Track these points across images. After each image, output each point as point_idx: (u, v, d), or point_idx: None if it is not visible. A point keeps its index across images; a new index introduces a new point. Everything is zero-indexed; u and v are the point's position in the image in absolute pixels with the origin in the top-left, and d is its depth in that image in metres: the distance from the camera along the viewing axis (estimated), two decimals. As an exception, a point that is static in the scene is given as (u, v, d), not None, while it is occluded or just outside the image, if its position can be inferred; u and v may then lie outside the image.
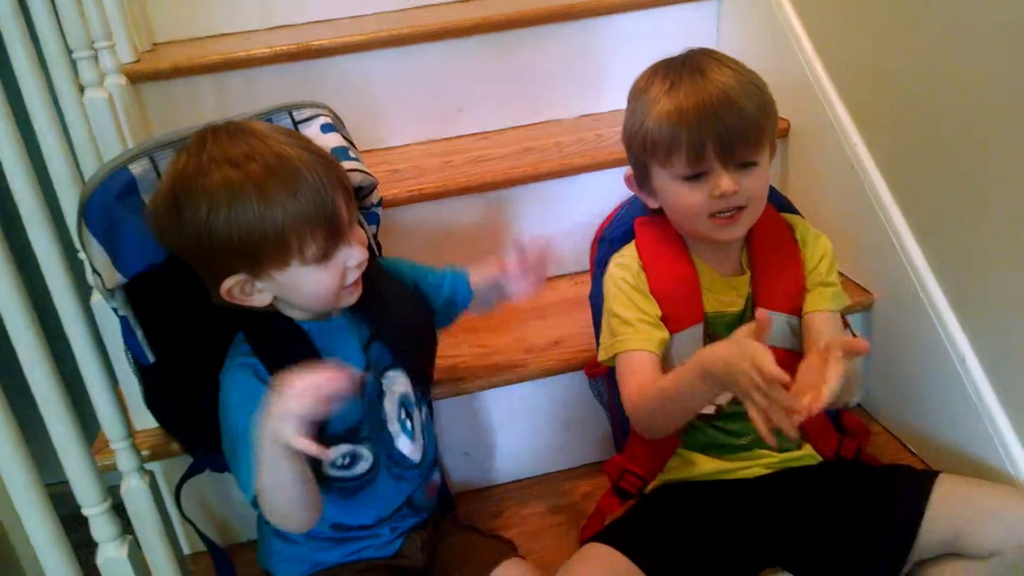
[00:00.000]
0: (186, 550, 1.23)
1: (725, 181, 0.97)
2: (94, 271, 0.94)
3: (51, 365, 0.87)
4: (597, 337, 1.24)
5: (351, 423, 0.97)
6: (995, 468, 1.14)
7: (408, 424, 1.03)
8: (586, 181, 1.46)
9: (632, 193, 1.15)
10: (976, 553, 0.97)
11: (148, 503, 1.08)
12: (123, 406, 1.09)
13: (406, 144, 1.62)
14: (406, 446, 1.03)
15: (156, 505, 1.09)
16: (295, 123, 1.06)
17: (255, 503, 0.90)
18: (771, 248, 1.08)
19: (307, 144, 0.91)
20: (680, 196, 1.01)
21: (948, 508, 0.99)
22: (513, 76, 1.64)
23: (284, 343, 0.95)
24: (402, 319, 1.04)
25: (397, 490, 1.03)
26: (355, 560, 1.02)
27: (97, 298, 1.06)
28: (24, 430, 0.81)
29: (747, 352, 0.85)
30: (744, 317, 1.07)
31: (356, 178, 1.05)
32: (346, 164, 1.02)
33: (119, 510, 1.00)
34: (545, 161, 1.46)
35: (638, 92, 1.03)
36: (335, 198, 0.88)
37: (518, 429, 1.33)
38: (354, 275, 0.93)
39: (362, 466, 0.99)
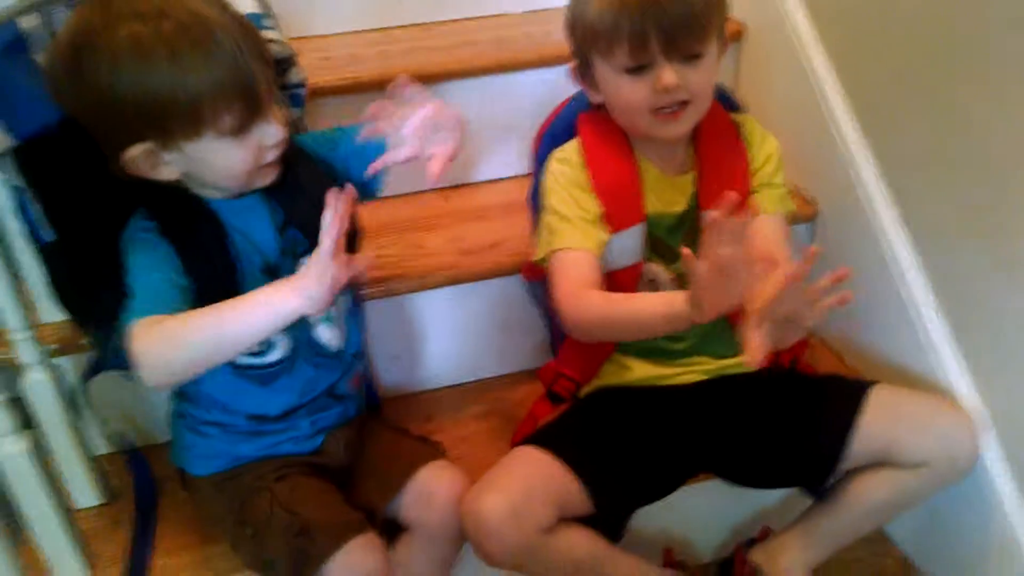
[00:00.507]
0: (102, 450, 1.18)
1: (668, 74, 0.93)
2: None
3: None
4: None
5: None
6: (930, 381, 1.14)
7: (329, 314, 0.98)
8: (531, 78, 1.39)
9: (577, 91, 1.10)
10: (906, 462, 0.98)
11: (53, 397, 1.02)
12: (27, 297, 1.02)
13: (341, 32, 1.53)
14: (324, 333, 0.98)
15: (62, 400, 1.03)
16: None
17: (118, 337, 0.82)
18: (717, 147, 1.04)
19: (223, 5, 0.83)
20: (621, 90, 0.96)
21: (881, 418, 1.00)
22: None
23: (190, 221, 0.88)
24: (318, 202, 0.97)
25: (316, 377, 0.99)
26: (272, 455, 0.99)
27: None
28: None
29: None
30: (686, 218, 1.04)
31: (272, 49, 0.96)
32: (264, 33, 0.93)
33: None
34: (487, 54, 1.39)
35: None
36: (253, 67, 0.81)
37: (452, 334, 1.30)
38: (271, 155, 0.87)
39: (276, 354, 0.94)
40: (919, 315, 1.14)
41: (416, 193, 1.44)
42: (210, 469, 0.99)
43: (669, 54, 0.92)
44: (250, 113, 0.82)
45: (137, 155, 0.82)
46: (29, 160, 0.87)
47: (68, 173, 0.88)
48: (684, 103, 0.95)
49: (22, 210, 0.90)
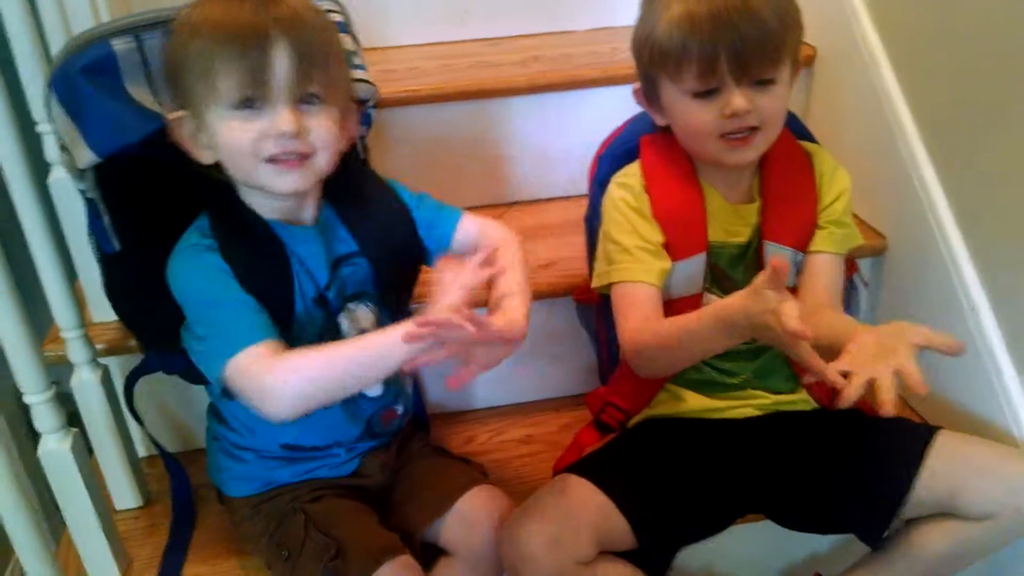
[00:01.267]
0: (142, 452, 1.19)
1: (737, 99, 0.89)
2: (63, 148, 0.87)
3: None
4: (591, 260, 1.18)
5: (312, 333, 0.90)
6: (998, 427, 1.09)
7: None
8: (595, 96, 1.38)
9: (639, 111, 1.07)
10: (970, 513, 0.93)
11: (99, 397, 1.03)
12: (81, 297, 1.03)
13: (408, 45, 1.54)
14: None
15: (109, 401, 1.04)
16: None
17: (219, 381, 0.83)
18: (786, 177, 1.01)
19: (312, 7, 0.84)
20: (689, 114, 0.93)
21: (946, 464, 0.94)
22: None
23: (253, 239, 0.88)
24: (386, 230, 0.96)
25: (353, 417, 0.97)
26: (308, 479, 0.98)
27: (54, 177, 0.99)
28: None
29: (770, 304, 0.80)
30: (749, 249, 1.00)
31: (360, 89, 0.97)
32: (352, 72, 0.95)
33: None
34: (552, 71, 1.38)
35: None
36: (273, 47, 0.78)
37: (499, 353, 1.27)
38: (274, 146, 0.81)
39: None
40: (991, 356, 1.09)
41: (470, 209, 1.42)
42: (246, 491, 0.98)
43: (739, 78, 0.89)
44: (255, 88, 0.79)
45: (176, 120, 0.83)
46: (108, 176, 0.88)
47: (143, 190, 0.90)
48: (754, 129, 0.92)
49: (91, 220, 0.91)
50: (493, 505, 0.97)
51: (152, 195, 0.91)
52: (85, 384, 1.02)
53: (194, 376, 0.96)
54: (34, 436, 0.95)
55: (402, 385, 1.03)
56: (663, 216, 0.99)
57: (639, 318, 0.96)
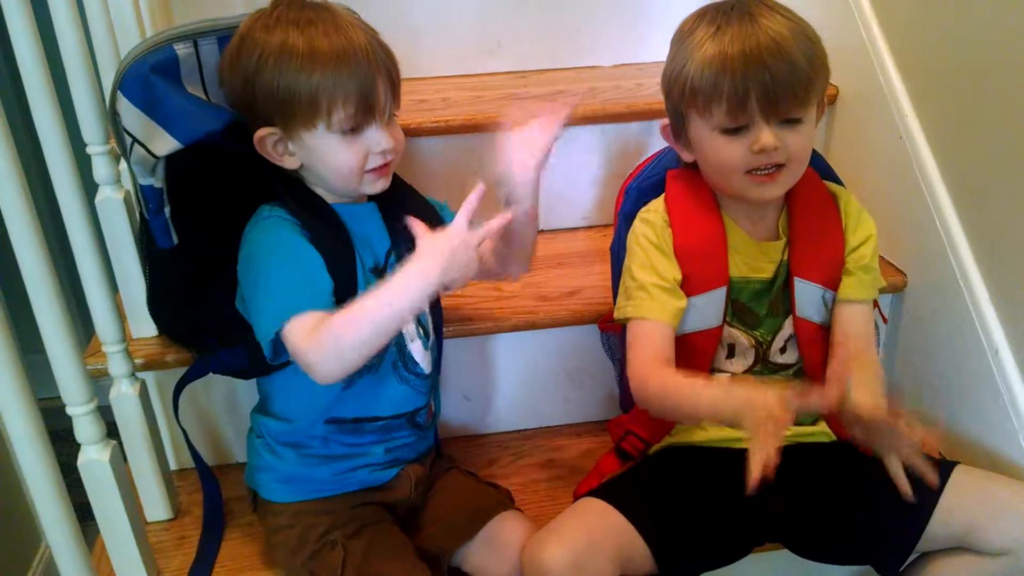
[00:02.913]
0: (173, 466, 1.21)
1: (766, 135, 0.92)
2: (134, 143, 0.93)
3: (47, 258, 0.84)
4: (615, 289, 1.20)
5: None
6: (1017, 465, 1.09)
7: (422, 332, 1.01)
8: (620, 131, 1.41)
9: (666, 145, 1.10)
10: (987, 549, 0.93)
11: (137, 410, 1.06)
12: (121, 313, 1.06)
13: (438, 76, 1.57)
14: (418, 351, 1.01)
15: (145, 414, 1.07)
16: None
17: (272, 347, 0.88)
18: (812, 215, 1.03)
19: (370, 29, 0.93)
20: (717, 149, 0.95)
21: (964, 499, 0.95)
22: (556, 16, 1.58)
23: (325, 222, 0.94)
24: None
25: (402, 395, 1.00)
26: (347, 491, 0.99)
27: (102, 196, 1.03)
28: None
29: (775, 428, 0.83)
30: (775, 285, 1.02)
31: None
32: None
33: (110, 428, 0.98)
34: (579, 105, 1.40)
35: (682, 35, 0.97)
36: (376, 78, 0.90)
37: (522, 378, 1.30)
38: (377, 160, 0.93)
39: None
40: (1010, 395, 1.09)
41: (497, 236, 1.46)
42: (285, 497, 1.00)
43: (768, 117, 0.92)
44: (362, 117, 0.90)
45: (265, 136, 0.91)
46: (176, 167, 0.95)
47: (207, 183, 0.97)
48: (780, 166, 0.94)
49: (151, 214, 0.97)
50: (521, 531, 0.99)
51: (213, 188, 0.98)
52: (124, 397, 1.05)
53: (252, 371, 1.01)
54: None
55: (438, 381, 1.08)
56: (684, 249, 1.01)
57: (648, 356, 0.98)
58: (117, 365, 1.04)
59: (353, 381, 0.96)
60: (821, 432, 1.07)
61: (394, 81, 0.93)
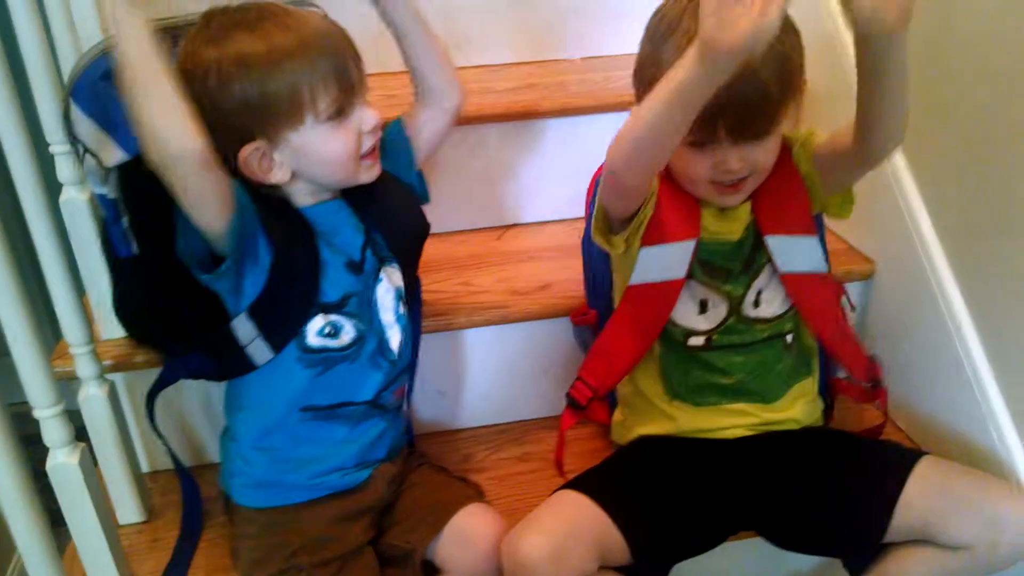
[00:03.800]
0: (144, 468, 1.20)
1: (733, 160, 0.92)
2: (86, 152, 0.91)
3: (9, 254, 0.84)
4: (587, 283, 1.21)
5: (336, 297, 0.94)
6: (985, 449, 1.11)
7: (403, 319, 1.01)
8: (589, 123, 1.41)
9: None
10: (949, 543, 0.94)
11: (106, 412, 1.04)
12: (88, 315, 1.05)
13: (406, 70, 1.56)
14: (395, 339, 1.00)
15: (115, 416, 1.06)
16: None
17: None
18: (779, 183, 1.01)
19: (317, 11, 0.92)
20: (683, 160, 0.95)
21: (923, 493, 0.95)
22: (525, 11, 1.58)
23: (282, 217, 0.92)
24: (399, 213, 1.02)
25: (374, 380, 0.99)
26: (319, 496, 0.98)
27: (66, 196, 1.01)
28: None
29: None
30: (744, 245, 1.02)
31: None
32: None
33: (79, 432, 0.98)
34: (548, 98, 1.41)
35: (659, 33, 0.93)
36: (346, 55, 0.88)
37: (496, 373, 1.30)
38: (370, 140, 0.92)
39: (343, 339, 0.95)
40: (977, 378, 1.11)
41: (468, 231, 1.46)
42: (256, 502, 0.99)
43: (736, 138, 0.91)
44: (347, 95, 0.88)
45: (249, 155, 0.87)
46: (129, 176, 0.91)
47: (163, 191, 0.89)
48: (744, 178, 0.95)
49: (109, 223, 0.95)
50: (487, 524, 0.99)
51: (170, 198, 0.91)
52: (92, 399, 1.03)
53: (222, 374, 0.99)
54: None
55: (415, 361, 1.08)
56: (661, 197, 0.98)
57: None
58: (85, 367, 1.02)
59: (329, 367, 0.95)
60: (791, 420, 1.08)
61: (358, 56, 0.91)
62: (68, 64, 1.02)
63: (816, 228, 1.04)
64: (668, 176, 1.02)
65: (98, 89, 0.88)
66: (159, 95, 0.77)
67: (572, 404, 1.10)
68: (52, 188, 0.97)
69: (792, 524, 1.03)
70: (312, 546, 0.95)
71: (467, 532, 0.98)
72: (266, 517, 0.98)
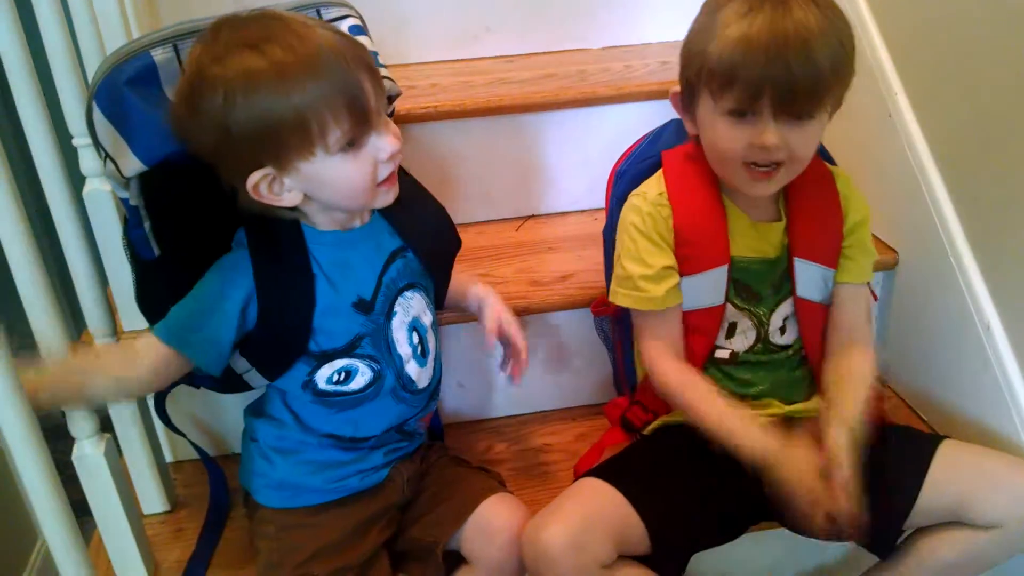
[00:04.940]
0: (168, 458, 1.21)
1: (770, 133, 0.90)
2: (107, 157, 0.87)
3: (37, 254, 0.84)
4: (607, 274, 1.20)
5: (344, 341, 0.93)
6: (1010, 440, 1.10)
7: (419, 350, 0.99)
8: (609, 112, 1.40)
9: (654, 129, 1.10)
10: (980, 522, 0.94)
11: (130, 403, 1.05)
12: (111, 306, 1.06)
13: (427, 62, 1.57)
14: (414, 370, 0.98)
15: (139, 407, 1.06)
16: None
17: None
18: (811, 196, 1.02)
19: (330, 26, 0.85)
20: (720, 133, 0.94)
21: (953, 473, 0.96)
22: (542, 0, 1.58)
23: (282, 252, 0.90)
24: (431, 224, 1.01)
25: (397, 412, 0.99)
26: (337, 497, 0.98)
27: (89, 188, 1.02)
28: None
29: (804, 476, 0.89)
30: (777, 267, 1.02)
31: (385, 85, 0.98)
32: None
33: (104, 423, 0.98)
34: (568, 88, 1.40)
35: (715, 6, 0.93)
36: (360, 79, 0.82)
37: (517, 363, 1.29)
38: (387, 169, 0.86)
39: (358, 382, 0.94)
40: (1001, 369, 1.10)
41: (488, 222, 1.46)
42: (276, 502, 0.99)
43: (778, 113, 0.89)
44: (360, 126, 0.82)
45: (259, 180, 0.83)
46: (151, 183, 0.88)
47: (185, 198, 0.91)
48: (779, 163, 0.93)
49: (131, 227, 0.92)
50: (510, 514, 0.98)
51: (192, 202, 0.92)
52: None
53: (224, 388, 0.99)
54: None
55: (436, 395, 1.06)
56: (685, 227, 0.99)
57: (661, 348, 1.02)
58: (109, 359, 1.03)
59: (350, 407, 0.95)
60: (815, 409, 1.07)
61: (375, 72, 0.85)
62: (91, 56, 1.03)
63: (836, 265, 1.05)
64: (686, 179, 1.02)
65: (121, 93, 0.85)
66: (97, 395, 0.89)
67: (627, 427, 1.11)
68: (76, 180, 0.98)
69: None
70: (327, 552, 0.95)
71: (490, 523, 0.98)
72: (284, 518, 0.98)
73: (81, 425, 0.94)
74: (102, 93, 0.85)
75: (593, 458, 1.11)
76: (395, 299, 0.96)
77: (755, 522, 1.06)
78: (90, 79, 0.98)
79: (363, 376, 0.94)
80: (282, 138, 0.80)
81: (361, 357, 0.94)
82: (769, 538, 1.07)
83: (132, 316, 1.09)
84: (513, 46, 1.59)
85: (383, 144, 0.84)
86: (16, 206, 0.80)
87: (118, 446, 1.04)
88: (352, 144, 0.83)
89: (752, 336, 1.03)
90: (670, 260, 1.00)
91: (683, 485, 1.00)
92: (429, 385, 1.01)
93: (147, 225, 0.91)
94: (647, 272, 1.00)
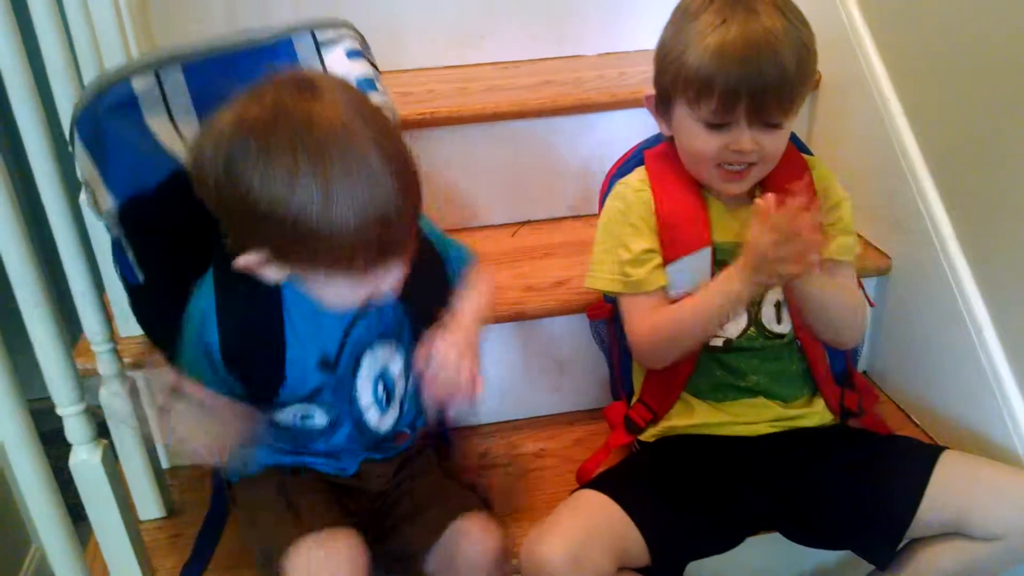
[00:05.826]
0: (165, 464, 1.21)
1: (745, 139, 0.94)
2: (86, 186, 0.89)
3: (33, 259, 0.84)
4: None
5: (307, 390, 0.92)
6: (1002, 446, 1.11)
7: (384, 400, 0.97)
8: (604, 119, 1.41)
9: (648, 137, 1.12)
10: (980, 534, 0.94)
11: (127, 409, 1.05)
12: (108, 312, 1.06)
13: (423, 68, 1.57)
14: (374, 417, 0.97)
15: (136, 413, 1.06)
16: (318, 45, 0.97)
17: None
18: (786, 180, 0.99)
19: (397, 145, 0.77)
20: (695, 138, 0.97)
21: (953, 485, 0.96)
22: (539, 7, 1.59)
23: (251, 298, 0.86)
24: (429, 287, 0.95)
25: (352, 455, 0.99)
26: (305, 466, 0.98)
27: (85, 194, 1.02)
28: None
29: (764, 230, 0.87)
30: None
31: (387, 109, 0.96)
32: (372, 97, 0.92)
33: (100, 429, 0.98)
34: (564, 95, 1.41)
35: (687, 13, 0.95)
36: (406, 221, 0.76)
37: (513, 369, 1.30)
38: (379, 297, 0.82)
39: (317, 422, 0.95)
40: (995, 374, 1.11)
41: (484, 227, 1.46)
42: (245, 474, 0.98)
43: (752, 121, 0.93)
44: (380, 261, 0.78)
45: (251, 260, 0.79)
46: (127, 215, 0.88)
47: (163, 225, 0.89)
48: (751, 164, 0.96)
49: (116, 254, 0.92)
50: (481, 535, 0.94)
51: (170, 228, 0.90)
52: (114, 396, 1.04)
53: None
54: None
55: (420, 409, 1.02)
56: (666, 213, 1.02)
57: (639, 318, 1.02)
58: (106, 364, 1.03)
59: (306, 440, 0.96)
60: (813, 413, 1.08)
61: (418, 207, 0.79)
62: (88, 61, 1.03)
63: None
64: (666, 172, 1.03)
65: (99, 124, 0.83)
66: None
67: (630, 427, 1.11)
68: (72, 186, 0.98)
69: (814, 520, 1.03)
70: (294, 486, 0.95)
71: (459, 542, 0.94)
72: (252, 479, 0.98)
73: (77, 431, 0.94)
74: (83, 122, 0.84)
75: (598, 461, 1.11)
76: (362, 355, 0.93)
77: (754, 531, 1.05)
78: (88, 80, 0.99)
79: (321, 417, 0.95)
80: (294, 254, 0.76)
81: (320, 403, 0.94)
82: (765, 542, 1.07)
83: (128, 322, 1.10)
84: (510, 53, 1.60)
85: (390, 278, 0.81)
86: (13, 212, 0.80)
87: (114, 452, 1.04)
88: (364, 273, 0.78)
89: (744, 320, 1.04)
90: (651, 243, 1.02)
91: (681, 497, 1.00)
92: (395, 426, 1.00)
93: (130, 254, 0.91)
94: (629, 257, 1.02)
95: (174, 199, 0.84)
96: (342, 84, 0.80)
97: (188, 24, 0.90)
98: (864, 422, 1.13)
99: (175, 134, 0.88)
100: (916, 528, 0.97)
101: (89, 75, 1.02)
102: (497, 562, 0.94)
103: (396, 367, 0.97)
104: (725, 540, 1.03)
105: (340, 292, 0.81)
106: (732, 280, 0.92)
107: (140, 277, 0.93)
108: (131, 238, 0.91)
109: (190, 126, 0.89)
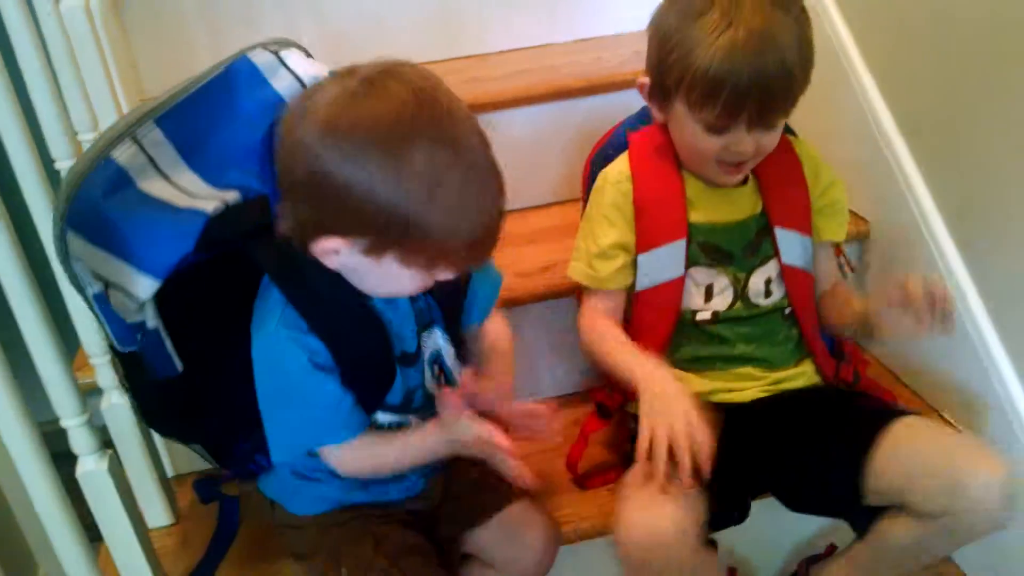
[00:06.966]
0: (169, 472, 1.22)
1: (746, 143, 0.96)
2: (107, 287, 0.77)
3: (28, 274, 0.85)
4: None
5: (399, 397, 0.92)
6: (988, 401, 1.13)
7: (442, 382, 0.96)
8: (582, 105, 1.43)
9: (627, 117, 1.14)
10: (922, 511, 0.91)
11: (129, 420, 1.06)
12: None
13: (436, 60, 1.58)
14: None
15: (138, 423, 1.08)
16: (274, 52, 0.87)
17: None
18: (775, 163, 1.04)
19: (495, 161, 0.81)
20: (696, 139, 0.98)
21: (891, 459, 0.93)
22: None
23: (336, 310, 0.85)
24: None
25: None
26: (377, 501, 0.98)
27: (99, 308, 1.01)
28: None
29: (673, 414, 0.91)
30: (751, 228, 1.05)
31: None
32: None
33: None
34: (538, 83, 1.42)
35: (693, 10, 0.94)
36: (502, 221, 0.80)
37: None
38: (434, 283, 0.83)
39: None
40: (978, 333, 1.13)
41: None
42: (316, 510, 0.97)
43: (753, 126, 0.94)
44: (486, 257, 0.82)
45: (325, 245, 0.77)
46: (168, 298, 0.80)
47: (205, 301, 0.84)
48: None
49: (150, 352, 0.83)
50: (533, 519, 0.98)
51: (213, 303, 0.86)
52: (115, 408, 1.05)
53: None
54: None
55: None
56: (644, 203, 1.04)
57: (590, 311, 1.08)
58: (105, 377, 1.04)
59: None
60: (802, 374, 1.09)
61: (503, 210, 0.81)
62: (67, 79, 1.03)
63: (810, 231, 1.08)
64: (650, 157, 1.05)
65: (99, 212, 0.75)
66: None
67: (601, 411, 1.13)
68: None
69: (793, 486, 1.04)
70: (376, 519, 0.95)
71: (513, 527, 0.98)
72: (329, 519, 0.97)
73: (82, 441, 0.95)
74: (77, 218, 0.75)
75: (580, 447, 1.13)
76: (424, 337, 0.93)
77: (754, 497, 1.06)
78: (69, 97, 1.00)
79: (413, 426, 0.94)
80: (410, 244, 0.76)
81: (412, 411, 0.93)
82: (772, 507, 1.07)
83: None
84: (483, 45, 1.61)
85: (449, 274, 0.82)
86: (6, 228, 0.81)
87: (119, 462, 1.05)
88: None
89: (730, 294, 1.06)
90: (623, 237, 1.04)
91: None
92: None
93: (168, 343, 0.84)
94: (596, 250, 1.05)
95: (214, 250, 0.79)
96: (425, 71, 0.81)
97: (179, 71, 0.86)
98: (863, 387, 1.14)
99: (175, 191, 0.79)
100: (870, 498, 0.95)
101: (68, 86, 1.02)
102: (547, 548, 0.98)
103: (446, 350, 0.96)
104: (733, 509, 1.03)
105: (402, 283, 0.81)
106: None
107: (178, 366, 0.85)
108: (171, 322, 0.83)
109: (185, 176, 0.80)
